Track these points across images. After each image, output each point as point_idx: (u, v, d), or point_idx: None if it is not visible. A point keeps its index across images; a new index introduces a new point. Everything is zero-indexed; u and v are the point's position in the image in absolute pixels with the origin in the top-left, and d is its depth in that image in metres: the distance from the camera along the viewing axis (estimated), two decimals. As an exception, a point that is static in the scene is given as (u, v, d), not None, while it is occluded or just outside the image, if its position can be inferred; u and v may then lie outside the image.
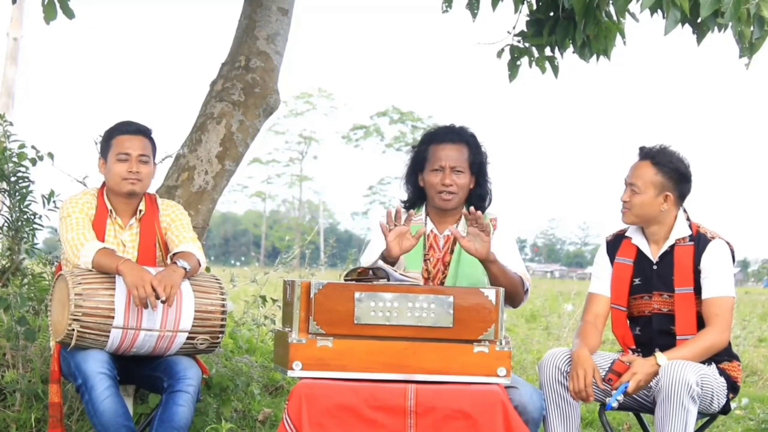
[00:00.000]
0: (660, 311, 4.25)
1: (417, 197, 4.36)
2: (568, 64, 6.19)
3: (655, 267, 4.27)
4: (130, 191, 4.31)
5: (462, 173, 4.24)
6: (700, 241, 4.22)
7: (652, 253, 4.29)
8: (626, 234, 4.37)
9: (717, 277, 4.17)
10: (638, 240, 4.32)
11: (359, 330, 3.73)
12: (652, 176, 4.21)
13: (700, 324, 4.17)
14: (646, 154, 4.24)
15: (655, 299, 4.26)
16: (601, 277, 4.38)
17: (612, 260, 4.36)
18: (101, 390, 3.97)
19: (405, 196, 4.40)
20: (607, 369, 4.07)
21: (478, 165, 4.27)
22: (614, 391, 3.98)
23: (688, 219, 4.29)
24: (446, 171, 4.22)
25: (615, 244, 4.39)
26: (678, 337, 4.16)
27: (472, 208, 4.02)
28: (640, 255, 4.31)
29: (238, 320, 6.92)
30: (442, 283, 4.23)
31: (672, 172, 4.22)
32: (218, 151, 5.65)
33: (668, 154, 4.23)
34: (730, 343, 4.27)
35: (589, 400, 4.06)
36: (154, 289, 3.96)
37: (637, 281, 4.30)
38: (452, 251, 4.28)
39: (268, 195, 64.02)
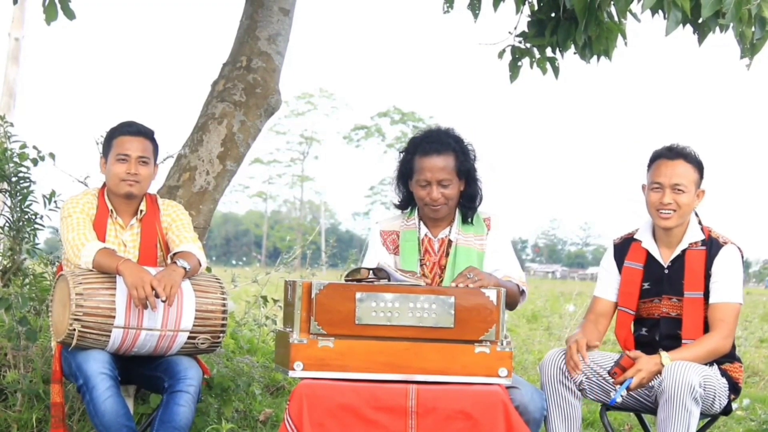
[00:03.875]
0: (668, 315, 4.24)
1: (409, 200, 4.34)
2: (569, 65, 6.20)
3: (666, 271, 4.26)
4: (127, 192, 4.31)
5: (449, 184, 4.19)
6: (712, 245, 4.21)
7: (663, 258, 4.27)
8: (636, 237, 4.34)
9: (726, 283, 4.16)
10: (649, 244, 4.29)
11: (360, 330, 3.73)
12: (691, 173, 4.19)
13: (707, 329, 4.16)
14: (677, 153, 4.20)
15: (664, 303, 4.25)
16: (606, 281, 4.37)
17: (620, 264, 4.34)
18: (102, 390, 3.97)
19: (397, 199, 4.38)
20: (610, 366, 4.06)
21: (465, 171, 4.23)
22: (618, 386, 3.99)
23: (699, 223, 4.28)
24: (433, 185, 4.18)
25: (623, 247, 4.36)
26: (683, 341, 4.15)
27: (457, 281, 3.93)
28: (650, 259, 4.29)
29: (239, 320, 6.92)
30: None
31: (699, 166, 4.23)
32: (219, 151, 5.65)
33: (690, 149, 4.23)
34: (734, 345, 4.26)
35: (577, 368, 4.05)
36: (154, 289, 3.96)
37: (646, 285, 4.29)
38: (447, 254, 4.27)
39: (269, 195, 64.13)
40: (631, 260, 4.32)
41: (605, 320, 4.36)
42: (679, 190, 4.17)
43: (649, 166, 4.27)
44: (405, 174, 4.29)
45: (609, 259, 4.40)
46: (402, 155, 4.31)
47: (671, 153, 4.21)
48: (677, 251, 4.25)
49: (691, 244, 4.23)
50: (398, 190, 4.35)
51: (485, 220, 4.32)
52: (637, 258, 4.31)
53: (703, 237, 4.24)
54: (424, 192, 4.20)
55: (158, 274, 4.03)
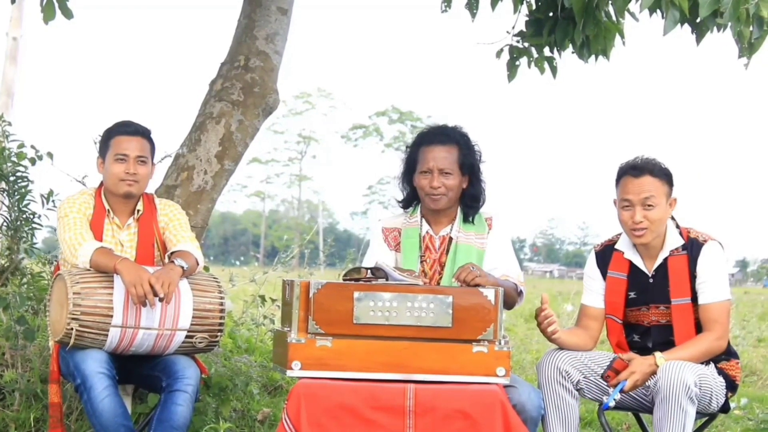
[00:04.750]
0: (658, 323, 4.23)
1: (413, 197, 4.35)
2: (567, 64, 6.20)
3: (651, 280, 4.24)
4: (126, 192, 4.30)
5: (451, 175, 4.20)
6: (693, 247, 4.19)
7: (647, 267, 4.26)
8: (617, 247, 4.31)
9: (713, 282, 4.15)
10: (631, 255, 4.27)
11: (358, 330, 3.73)
12: (660, 187, 4.15)
13: (699, 330, 4.15)
14: (642, 168, 4.16)
15: (652, 311, 4.23)
16: (592, 289, 4.35)
17: (603, 271, 4.32)
18: (100, 390, 3.96)
19: (401, 196, 4.39)
20: (605, 367, 4.06)
21: (469, 166, 4.24)
22: (611, 389, 3.98)
23: (677, 227, 4.27)
24: (434, 173, 4.20)
25: (605, 255, 4.34)
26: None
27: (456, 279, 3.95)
28: (633, 269, 4.27)
29: (237, 320, 6.92)
30: (438, 284, 4.22)
31: (668, 177, 4.20)
32: (217, 150, 5.65)
33: (656, 162, 4.20)
34: (729, 342, 4.26)
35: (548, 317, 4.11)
36: (152, 287, 3.96)
37: (632, 294, 4.27)
38: (448, 252, 4.27)
39: (267, 194, 64.20)
40: (614, 270, 4.29)
41: (597, 324, 4.33)
42: (649, 205, 4.14)
43: (617, 182, 4.23)
44: (410, 168, 4.29)
45: (592, 267, 4.38)
46: (408, 149, 4.32)
47: (636, 170, 4.16)
48: (659, 260, 4.23)
49: (672, 251, 4.21)
50: (402, 187, 4.36)
51: (487, 219, 4.32)
52: (620, 268, 4.29)
53: (682, 241, 4.21)
54: (425, 181, 4.22)
55: (156, 272, 4.03)
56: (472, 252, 4.23)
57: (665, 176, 4.19)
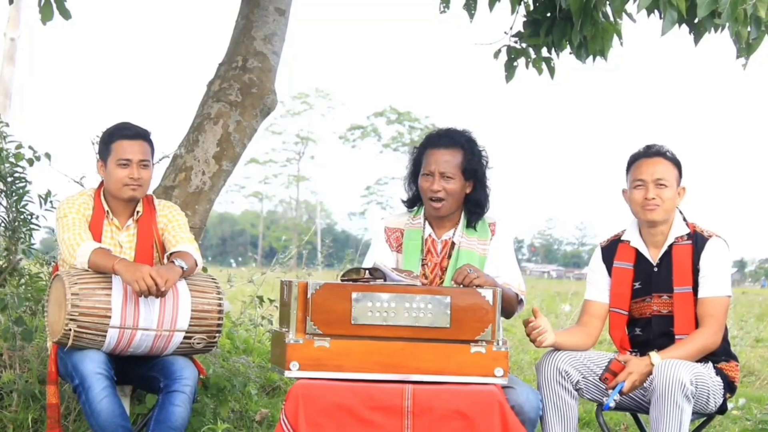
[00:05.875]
0: (660, 313, 4.24)
1: (417, 198, 4.35)
2: (564, 65, 6.21)
3: (656, 269, 4.27)
4: (131, 197, 4.31)
5: (452, 179, 4.19)
6: (698, 239, 4.22)
7: (652, 256, 4.28)
8: (623, 238, 4.34)
9: (715, 277, 4.17)
10: (638, 243, 4.30)
11: (356, 330, 3.73)
12: (672, 170, 4.23)
13: (698, 325, 4.17)
14: (657, 151, 4.25)
15: (654, 301, 4.25)
16: (595, 284, 4.37)
17: (609, 266, 4.34)
18: (98, 390, 3.97)
19: (405, 197, 4.38)
20: (603, 368, 4.07)
21: (472, 171, 4.21)
22: (610, 391, 3.99)
23: (684, 219, 4.30)
24: (435, 176, 4.18)
25: (611, 249, 4.36)
26: (676, 337, 4.16)
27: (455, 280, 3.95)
28: (639, 258, 4.30)
29: (235, 320, 6.92)
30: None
31: (678, 165, 4.27)
32: (215, 151, 5.65)
33: (667, 149, 4.28)
34: (728, 343, 4.27)
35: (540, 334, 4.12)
36: (154, 281, 3.96)
37: (637, 285, 4.29)
38: (449, 256, 4.26)
39: (265, 195, 64.18)
40: (620, 260, 4.32)
41: (599, 322, 4.35)
42: (661, 184, 4.20)
43: (628, 168, 4.29)
44: (417, 169, 4.29)
45: (597, 262, 4.40)
46: (416, 150, 4.32)
47: (650, 151, 4.26)
48: (665, 248, 4.26)
49: (677, 238, 4.24)
50: (408, 188, 4.35)
51: (490, 225, 4.30)
52: (626, 258, 4.31)
53: (688, 231, 4.25)
54: (426, 183, 4.21)
55: (156, 267, 4.05)
56: (474, 258, 4.21)
57: (675, 163, 4.27)
